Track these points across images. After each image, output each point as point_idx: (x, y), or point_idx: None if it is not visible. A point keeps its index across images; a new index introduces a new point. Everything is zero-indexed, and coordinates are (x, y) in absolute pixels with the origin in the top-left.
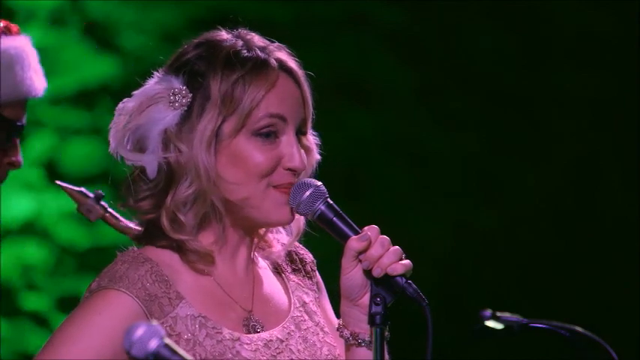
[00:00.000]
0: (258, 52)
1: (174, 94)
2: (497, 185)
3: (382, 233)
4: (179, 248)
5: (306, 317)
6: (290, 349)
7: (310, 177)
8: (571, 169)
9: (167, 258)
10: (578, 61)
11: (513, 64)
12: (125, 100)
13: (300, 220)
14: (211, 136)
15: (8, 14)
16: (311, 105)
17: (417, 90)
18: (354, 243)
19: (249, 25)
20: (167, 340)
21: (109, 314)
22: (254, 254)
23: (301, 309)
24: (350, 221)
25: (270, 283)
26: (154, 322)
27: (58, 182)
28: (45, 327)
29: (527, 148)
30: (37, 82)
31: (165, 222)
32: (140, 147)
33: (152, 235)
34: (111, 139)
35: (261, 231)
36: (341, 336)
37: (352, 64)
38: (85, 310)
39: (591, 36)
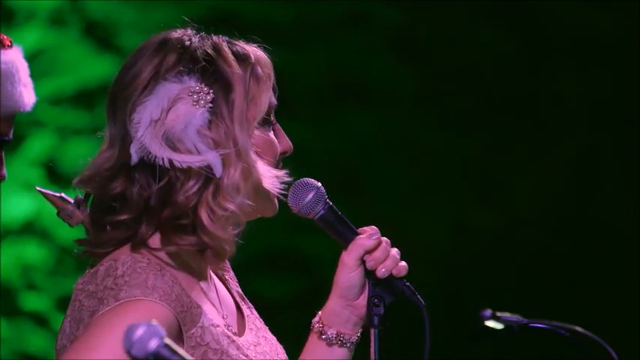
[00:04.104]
0: (243, 43)
1: (195, 93)
2: (497, 185)
3: (382, 233)
4: (200, 249)
5: (253, 314)
6: (264, 349)
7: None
8: (571, 169)
9: (168, 262)
10: (578, 61)
11: (513, 64)
12: (136, 111)
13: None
14: (249, 124)
15: (8, 14)
16: None
17: (418, 90)
18: (366, 241)
19: (249, 25)
20: (167, 340)
21: None
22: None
23: (244, 304)
24: (349, 223)
25: (218, 282)
26: (154, 322)
27: (38, 188)
28: (45, 327)
29: (527, 148)
30: (27, 96)
31: (204, 216)
32: (179, 149)
33: (170, 235)
34: (150, 146)
35: None
36: (320, 334)
37: (352, 64)
38: (120, 318)
39: (591, 36)
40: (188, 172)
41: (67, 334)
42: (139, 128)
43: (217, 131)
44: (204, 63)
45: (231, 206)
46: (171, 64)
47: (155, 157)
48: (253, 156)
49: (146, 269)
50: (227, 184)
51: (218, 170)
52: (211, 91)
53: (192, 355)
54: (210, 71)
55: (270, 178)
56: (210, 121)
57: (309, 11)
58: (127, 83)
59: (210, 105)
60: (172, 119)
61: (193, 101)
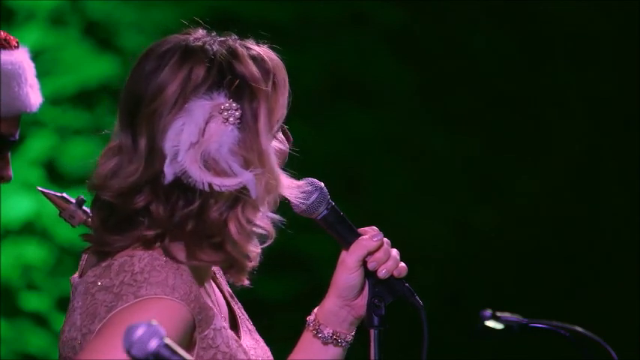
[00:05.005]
0: (254, 44)
1: (225, 110)
2: (497, 185)
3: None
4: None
5: (244, 315)
6: (259, 352)
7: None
8: (571, 168)
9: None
10: (578, 61)
11: (513, 63)
12: (169, 130)
13: None
14: (270, 135)
15: (8, 14)
16: None
17: (417, 90)
18: (369, 242)
19: (249, 25)
20: (167, 340)
21: (170, 325)
22: None
23: (235, 304)
24: (351, 223)
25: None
26: (154, 322)
27: (39, 188)
28: (45, 327)
29: (526, 147)
30: (33, 97)
31: (234, 230)
32: (214, 170)
33: (196, 251)
34: (190, 171)
35: None
36: (316, 333)
37: (352, 64)
38: (141, 316)
39: (591, 35)
40: (223, 192)
41: (77, 326)
42: (179, 151)
43: (245, 147)
44: (230, 76)
45: (256, 221)
46: (200, 81)
47: (195, 181)
48: (275, 167)
49: (165, 267)
50: (255, 198)
51: (254, 191)
52: (239, 106)
53: (201, 356)
54: (237, 84)
55: (290, 188)
56: (238, 138)
57: (309, 11)
58: (151, 95)
59: (238, 121)
60: (207, 140)
61: (224, 119)
